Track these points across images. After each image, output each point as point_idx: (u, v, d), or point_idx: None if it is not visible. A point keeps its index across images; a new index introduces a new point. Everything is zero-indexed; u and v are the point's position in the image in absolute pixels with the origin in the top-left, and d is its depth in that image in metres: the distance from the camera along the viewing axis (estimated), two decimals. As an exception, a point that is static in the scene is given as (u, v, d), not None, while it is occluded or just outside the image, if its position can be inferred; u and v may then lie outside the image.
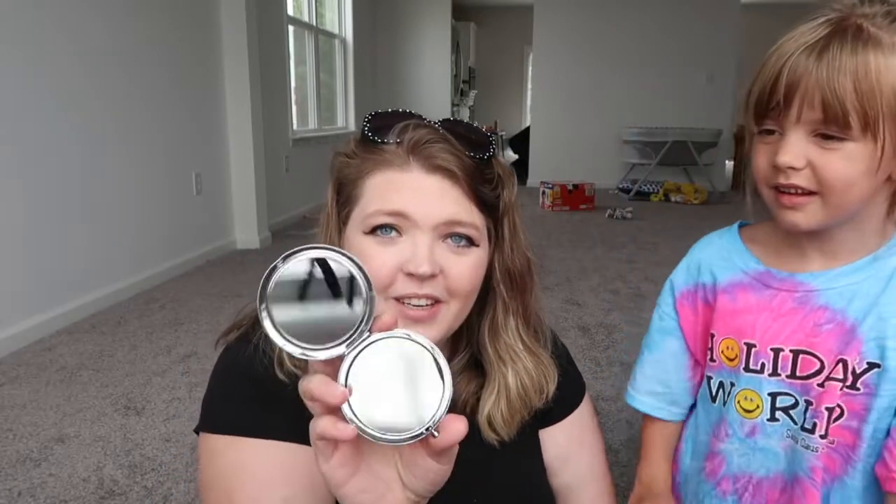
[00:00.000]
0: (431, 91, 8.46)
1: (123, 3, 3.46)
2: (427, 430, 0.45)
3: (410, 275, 0.65)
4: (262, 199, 4.78)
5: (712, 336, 0.80)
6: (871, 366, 0.69)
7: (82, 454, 1.97)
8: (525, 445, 0.82)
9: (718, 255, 0.81)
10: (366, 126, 0.71)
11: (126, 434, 2.08)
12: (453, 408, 0.66)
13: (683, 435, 0.89)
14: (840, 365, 0.70)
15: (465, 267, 0.69)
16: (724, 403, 0.79)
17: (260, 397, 0.71)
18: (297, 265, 0.44)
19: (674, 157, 7.28)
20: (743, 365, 0.76)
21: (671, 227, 5.69)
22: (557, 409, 0.84)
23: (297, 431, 0.69)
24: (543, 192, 6.65)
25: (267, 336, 0.45)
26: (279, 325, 0.45)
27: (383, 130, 0.70)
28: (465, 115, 11.07)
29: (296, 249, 0.44)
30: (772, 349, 0.74)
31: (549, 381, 0.78)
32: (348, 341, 0.45)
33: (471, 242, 0.69)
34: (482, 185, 0.70)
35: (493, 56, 12.00)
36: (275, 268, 0.44)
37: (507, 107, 12.30)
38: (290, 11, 5.67)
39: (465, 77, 10.42)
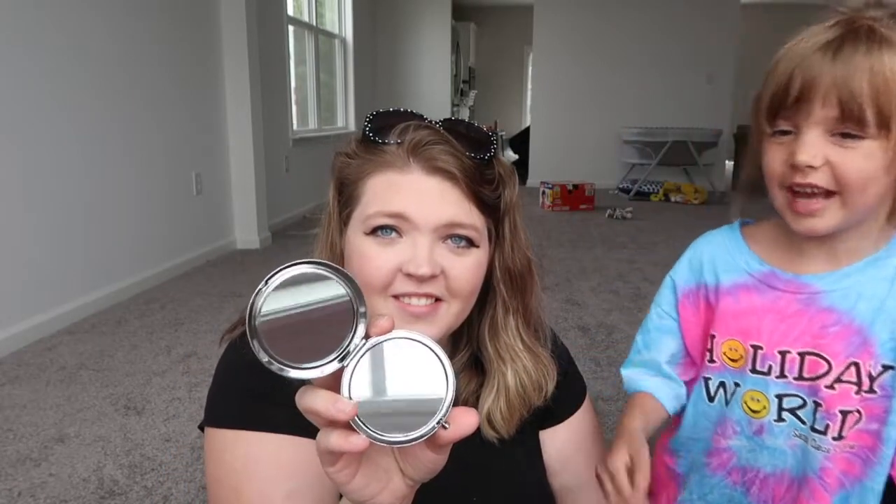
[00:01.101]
0: (431, 91, 8.47)
1: (124, 3, 3.46)
2: (438, 423, 0.44)
3: (410, 275, 0.66)
4: (262, 199, 4.78)
5: (712, 337, 0.79)
6: (886, 368, 0.69)
7: (82, 454, 1.97)
8: (525, 446, 0.82)
9: (721, 255, 0.80)
10: (367, 126, 0.70)
11: (126, 434, 2.08)
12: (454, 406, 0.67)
13: (678, 433, 0.88)
14: (853, 367, 0.70)
15: (465, 268, 0.69)
16: (727, 403, 0.79)
17: (264, 391, 0.71)
18: (282, 286, 0.42)
19: (674, 157, 7.28)
20: (749, 367, 0.75)
21: (671, 227, 5.69)
22: (558, 410, 0.84)
23: (302, 424, 0.69)
24: (543, 192, 6.65)
25: (263, 366, 0.43)
26: (275, 352, 0.43)
27: (384, 131, 0.70)
28: (465, 115, 11.06)
29: (278, 269, 0.42)
30: (779, 352, 0.73)
31: (548, 380, 0.78)
32: (346, 351, 0.44)
33: (470, 243, 0.69)
34: (482, 186, 0.70)
35: (493, 56, 11.99)
36: (259, 292, 0.42)
37: (507, 107, 12.29)
38: (290, 11, 5.67)
39: (465, 77, 10.41)
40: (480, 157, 0.70)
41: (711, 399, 0.80)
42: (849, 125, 0.64)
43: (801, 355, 0.72)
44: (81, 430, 2.11)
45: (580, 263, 4.31)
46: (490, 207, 0.71)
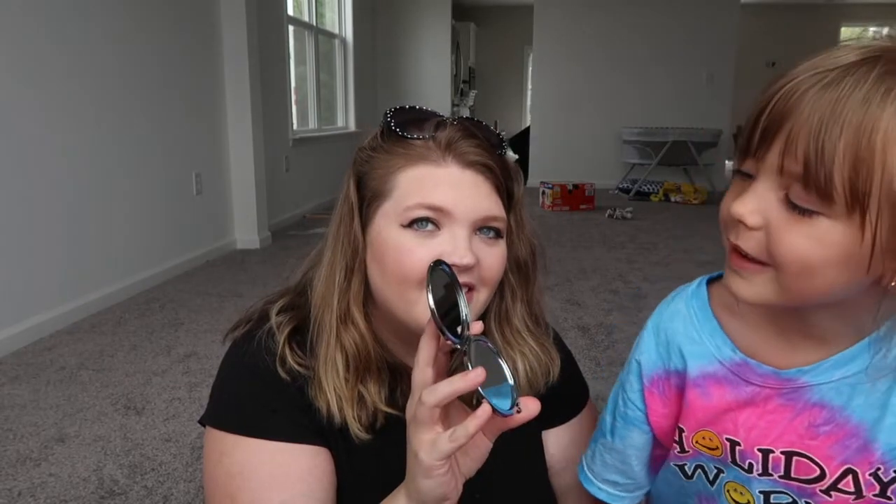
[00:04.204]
0: (431, 91, 8.47)
1: (123, 3, 3.46)
2: (515, 403, 0.55)
3: (452, 265, 0.68)
4: (262, 199, 4.78)
5: (681, 430, 0.67)
6: None
7: (82, 454, 1.97)
8: (528, 445, 0.82)
9: (687, 334, 0.65)
10: (391, 121, 0.72)
11: (126, 434, 2.08)
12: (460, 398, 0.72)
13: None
14: (850, 476, 0.58)
15: (496, 257, 0.72)
16: (711, 483, 0.67)
17: (265, 397, 0.72)
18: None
19: (674, 157, 7.28)
20: (729, 458, 0.64)
21: (671, 227, 5.69)
22: (562, 410, 0.85)
23: (297, 432, 0.71)
24: (543, 192, 6.65)
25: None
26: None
27: (413, 126, 0.71)
28: (465, 115, 11.06)
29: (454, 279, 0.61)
30: (759, 450, 0.62)
31: (553, 366, 0.80)
32: (462, 339, 0.58)
33: (498, 235, 0.72)
34: (505, 171, 0.74)
35: (493, 56, 11.99)
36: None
37: (507, 107, 12.29)
38: (290, 11, 5.67)
39: (465, 77, 10.41)
40: (500, 153, 0.74)
41: (689, 477, 0.69)
42: (811, 192, 0.47)
43: (787, 455, 0.60)
44: (81, 429, 2.11)
45: (580, 263, 4.31)
46: (510, 200, 0.75)
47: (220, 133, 4.51)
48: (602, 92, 8.09)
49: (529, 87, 11.02)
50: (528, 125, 9.25)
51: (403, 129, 0.71)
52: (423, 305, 0.69)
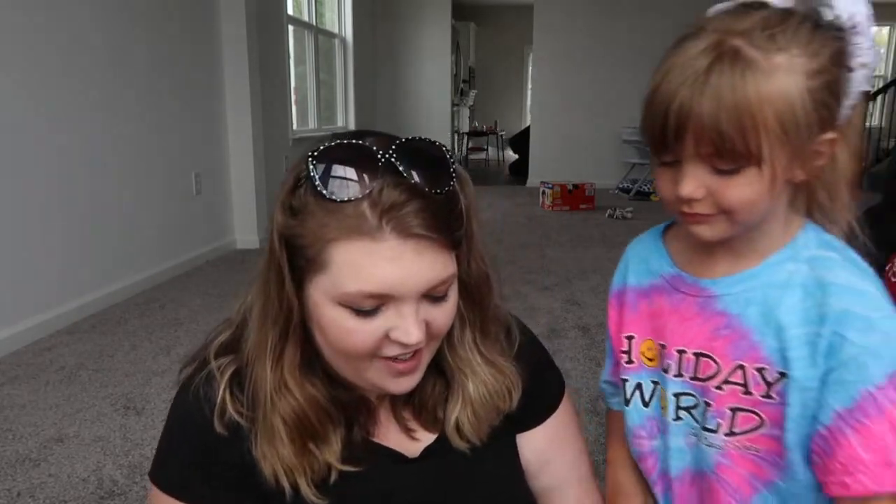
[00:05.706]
0: (431, 91, 8.46)
1: (123, 2, 3.46)
2: None
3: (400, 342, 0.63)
4: (262, 199, 4.78)
5: (630, 338, 0.83)
6: (782, 375, 0.69)
7: (82, 454, 1.97)
8: (501, 451, 0.80)
9: (640, 257, 0.84)
10: (316, 179, 0.60)
11: (126, 434, 2.08)
12: (421, 410, 0.76)
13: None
14: (739, 370, 0.71)
15: (445, 314, 0.66)
16: (646, 404, 0.80)
17: (199, 461, 0.71)
18: None
19: (674, 157, 7.28)
20: (660, 365, 0.78)
21: (671, 227, 5.69)
22: (536, 411, 0.83)
23: (226, 499, 0.71)
24: (543, 192, 6.65)
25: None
26: None
27: (340, 180, 0.60)
28: (464, 115, 11.08)
29: None
30: (677, 350, 0.76)
31: (512, 390, 0.76)
32: None
33: (445, 294, 0.66)
34: (452, 224, 0.64)
35: (493, 56, 12.00)
36: None
37: (507, 107, 12.30)
38: (290, 11, 5.67)
39: (465, 77, 10.43)
40: (446, 189, 0.63)
41: (627, 402, 0.82)
42: (725, 160, 0.63)
43: (696, 356, 0.74)
44: (81, 430, 2.11)
45: (580, 263, 4.31)
46: (457, 238, 0.66)
47: (220, 133, 4.51)
48: (602, 92, 8.08)
49: (529, 87, 11.02)
50: (528, 125, 9.25)
51: (333, 189, 0.60)
52: (374, 370, 0.66)
